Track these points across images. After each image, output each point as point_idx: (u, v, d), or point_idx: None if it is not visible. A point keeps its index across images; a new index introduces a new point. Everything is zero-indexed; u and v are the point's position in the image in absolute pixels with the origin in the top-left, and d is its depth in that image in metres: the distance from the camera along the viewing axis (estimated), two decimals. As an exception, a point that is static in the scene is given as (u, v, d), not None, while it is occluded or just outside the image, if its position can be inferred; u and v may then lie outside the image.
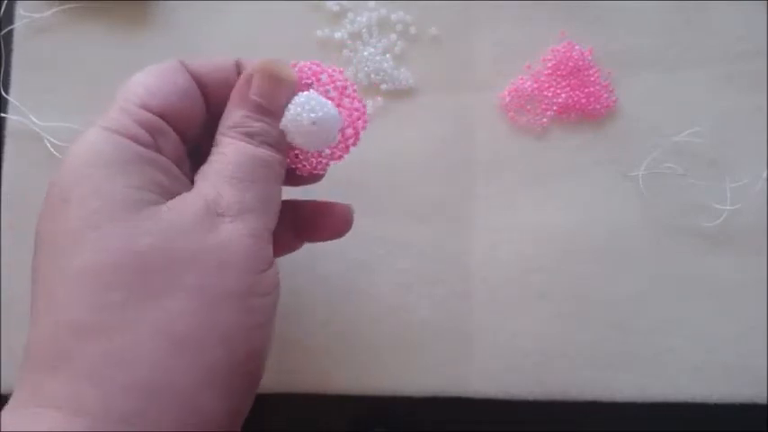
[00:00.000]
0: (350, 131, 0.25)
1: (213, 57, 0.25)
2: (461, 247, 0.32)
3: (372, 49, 0.33)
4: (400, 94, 0.33)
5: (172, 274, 0.20)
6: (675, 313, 0.32)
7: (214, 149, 0.23)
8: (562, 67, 0.33)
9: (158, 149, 0.22)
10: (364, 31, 0.33)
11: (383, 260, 0.32)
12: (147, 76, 0.23)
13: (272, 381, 0.31)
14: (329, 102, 0.24)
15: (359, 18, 0.34)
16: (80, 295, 0.20)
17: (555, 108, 0.33)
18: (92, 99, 0.33)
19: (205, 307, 0.20)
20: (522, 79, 0.33)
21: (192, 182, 0.23)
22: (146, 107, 0.23)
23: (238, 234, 0.21)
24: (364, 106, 0.26)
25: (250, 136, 0.23)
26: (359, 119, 0.25)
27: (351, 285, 0.32)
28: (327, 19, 0.34)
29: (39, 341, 0.20)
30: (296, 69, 0.25)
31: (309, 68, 0.25)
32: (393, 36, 0.34)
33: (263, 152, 0.23)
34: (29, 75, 0.33)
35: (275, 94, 0.24)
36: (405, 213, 0.33)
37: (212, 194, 0.21)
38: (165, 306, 0.20)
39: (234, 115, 0.23)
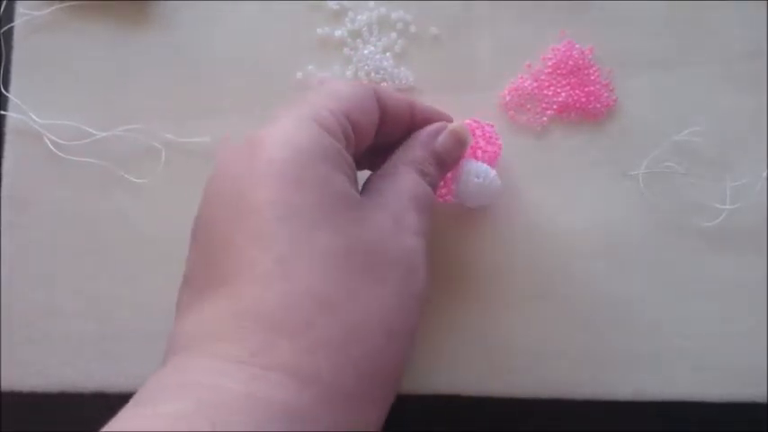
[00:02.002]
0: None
1: (395, 93, 0.28)
2: (461, 246, 0.32)
3: (372, 48, 0.33)
4: (400, 93, 0.33)
5: (385, 269, 0.22)
6: (675, 313, 0.32)
7: (390, 173, 0.26)
8: (562, 66, 0.33)
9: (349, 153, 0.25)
10: (364, 29, 0.34)
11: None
12: (352, 89, 0.26)
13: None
14: (496, 175, 0.30)
15: (359, 17, 0.34)
16: (326, 270, 0.21)
17: (555, 107, 0.33)
18: (92, 97, 0.33)
19: (405, 304, 0.22)
20: (522, 78, 0.33)
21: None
22: (348, 116, 0.25)
23: (421, 247, 0.24)
24: (500, 147, 0.31)
25: (423, 174, 0.26)
26: (495, 156, 0.31)
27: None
28: (328, 17, 0.34)
29: (272, 305, 0.20)
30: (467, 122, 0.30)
31: (475, 121, 0.31)
32: (393, 35, 0.34)
33: (430, 191, 0.26)
34: (29, 72, 0.33)
35: (454, 152, 0.28)
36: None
37: (398, 214, 0.24)
38: (382, 296, 0.22)
39: (417, 153, 0.27)
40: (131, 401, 0.20)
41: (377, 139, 0.27)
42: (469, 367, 0.32)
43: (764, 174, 0.33)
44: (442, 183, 0.30)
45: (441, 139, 0.28)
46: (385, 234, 0.23)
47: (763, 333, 0.32)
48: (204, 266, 0.22)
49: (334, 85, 0.26)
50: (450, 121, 0.29)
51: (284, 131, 0.23)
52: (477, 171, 0.30)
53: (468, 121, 0.31)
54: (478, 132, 0.31)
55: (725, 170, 0.33)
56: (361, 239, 0.22)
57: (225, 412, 0.18)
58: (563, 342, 0.32)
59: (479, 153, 0.31)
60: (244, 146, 0.23)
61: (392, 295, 0.22)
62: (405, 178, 0.26)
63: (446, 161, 0.28)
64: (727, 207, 0.32)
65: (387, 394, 0.22)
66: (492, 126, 0.31)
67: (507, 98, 0.33)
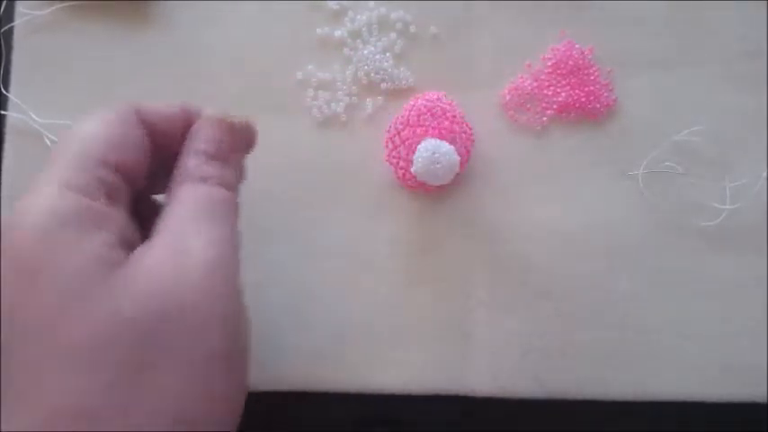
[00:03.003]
0: (463, 151, 0.31)
1: (161, 104, 0.25)
2: (460, 245, 0.32)
3: (372, 48, 0.33)
4: (400, 93, 0.33)
5: (161, 340, 0.19)
6: (675, 312, 0.32)
7: (170, 199, 0.23)
8: (562, 65, 0.33)
9: (117, 203, 0.22)
10: (364, 29, 0.34)
11: (383, 258, 0.32)
12: (102, 126, 0.22)
13: (271, 380, 0.31)
14: (451, 148, 0.30)
15: (359, 17, 0.34)
16: (76, 377, 0.18)
17: (555, 107, 0.33)
18: (92, 96, 0.33)
19: (197, 374, 0.19)
20: (522, 78, 0.33)
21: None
22: (103, 162, 0.22)
23: (212, 283, 0.20)
24: (471, 129, 0.32)
25: (204, 180, 0.23)
26: (468, 140, 0.32)
27: (351, 283, 0.32)
28: (327, 17, 0.34)
29: (30, 429, 0.18)
30: (417, 102, 0.32)
31: (428, 101, 0.32)
32: (393, 35, 0.34)
33: (219, 191, 0.23)
34: (29, 72, 0.33)
35: (227, 138, 0.24)
36: (404, 211, 0.33)
37: (178, 241, 0.21)
38: (161, 382, 0.19)
39: (186, 165, 0.23)
40: None
41: (161, 159, 0.24)
42: (469, 367, 0.32)
43: (764, 174, 0.33)
44: (402, 170, 0.31)
45: (201, 134, 0.24)
46: (162, 288, 0.19)
47: (763, 333, 0.32)
48: None
49: (80, 130, 0.22)
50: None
51: (28, 202, 0.20)
52: (427, 146, 0.30)
53: (426, 95, 0.32)
54: (428, 110, 0.31)
55: (725, 170, 0.33)
56: (125, 313, 0.19)
57: None
58: (563, 342, 0.32)
59: (430, 130, 0.31)
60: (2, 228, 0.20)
61: (180, 369, 0.19)
62: (183, 195, 0.22)
63: (225, 152, 0.24)
64: (727, 207, 0.32)
65: None
66: (451, 102, 0.32)
67: (507, 98, 0.33)
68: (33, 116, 0.33)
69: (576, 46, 0.33)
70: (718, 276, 0.32)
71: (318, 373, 0.31)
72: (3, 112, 0.33)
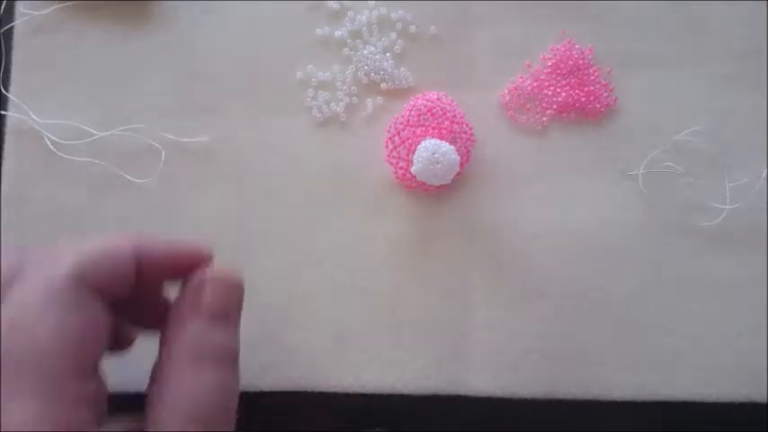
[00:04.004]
0: (463, 151, 0.31)
1: (162, 243, 0.23)
2: (460, 245, 0.32)
3: (372, 48, 0.33)
4: (400, 93, 0.33)
5: None
6: (675, 312, 0.32)
7: (168, 377, 0.21)
8: (562, 65, 0.33)
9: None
10: (364, 29, 0.34)
11: (383, 258, 0.32)
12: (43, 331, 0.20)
13: (270, 380, 0.31)
14: (451, 148, 0.30)
15: (359, 17, 0.34)
16: None
17: (555, 107, 0.33)
18: (92, 97, 0.33)
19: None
20: (521, 78, 0.33)
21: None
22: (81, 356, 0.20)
23: None
24: (471, 129, 0.32)
25: (210, 358, 0.21)
26: (468, 140, 0.32)
27: (350, 283, 0.32)
28: (327, 17, 0.34)
29: None
30: (417, 102, 0.32)
31: (428, 101, 0.32)
32: (393, 35, 0.34)
33: (225, 376, 0.21)
34: (29, 72, 0.33)
35: (233, 296, 0.22)
36: (404, 211, 0.33)
37: None
38: None
39: (188, 332, 0.21)
40: None
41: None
42: (469, 367, 0.32)
43: (764, 174, 0.33)
44: (402, 170, 0.31)
45: (208, 294, 0.22)
46: None
47: (762, 333, 0.32)
48: None
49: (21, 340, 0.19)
50: (204, 255, 0.24)
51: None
52: (427, 146, 0.30)
53: (425, 94, 0.32)
54: (428, 110, 0.32)
55: (725, 170, 0.33)
56: None
57: None
58: (562, 342, 0.32)
59: (430, 130, 0.31)
60: None
61: None
62: (184, 385, 0.21)
63: (228, 311, 0.22)
64: (727, 207, 0.32)
65: None
66: (451, 102, 0.32)
67: (507, 98, 0.33)
68: (33, 116, 0.33)
69: (576, 46, 0.33)
70: (718, 276, 0.32)
71: (318, 373, 0.31)
72: (3, 112, 0.33)
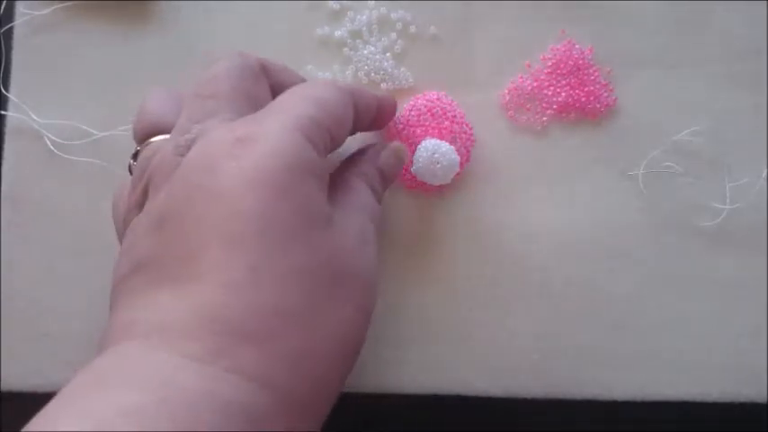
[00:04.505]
0: (463, 151, 0.32)
1: (366, 94, 0.28)
2: (460, 245, 0.32)
3: (372, 48, 0.33)
4: (400, 93, 0.33)
5: (348, 286, 0.23)
6: (675, 312, 0.32)
7: (348, 186, 0.27)
8: (562, 65, 0.33)
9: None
10: (364, 29, 0.34)
11: (382, 258, 0.32)
12: (336, 100, 0.25)
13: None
14: (451, 148, 0.30)
15: (359, 17, 0.34)
16: (295, 286, 0.21)
17: (555, 107, 0.33)
18: (92, 97, 0.33)
19: (361, 321, 0.23)
20: (521, 78, 0.33)
21: None
22: (329, 129, 0.24)
23: (375, 259, 0.25)
24: (471, 128, 0.32)
25: (373, 190, 0.28)
26: (468, 140, 0.32)
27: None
28: (327, 17, 0.34)
29: (238, 312, 0.20)
30: (417, 102, 0.32)
31: (428, 101, 0.32)
32: (393, 35, 0.34)
33: (378, 207, 0.28)
34: (29, 72, 0.33)
35: (394, 169, 0.30)
36: (404, 211, 0.33)
37: (360, 225, 0.25)
38: (343, 313, 0.22)
39: (367, 168, 0.28)
40: (78, 381, 0.20)
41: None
42: (469, 367, 0.32)
43: (764, 174, 0.33)
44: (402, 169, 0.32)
45: (383, 156, 0.29)
46: (351, 251, 0.23)
47: (762, 333, 0.32)
48: (169, 257, 0.22)
49: (318, 91, 0.25)
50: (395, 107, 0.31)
51: (274, 139, 0.22)
52: (427, 146, 0.30)
53: (417, 99, 0.32)
54: (428, 110, 0.32)
55: (725, 170, 0.33)
56: (330, 257, 0.22)
57: (185, 409, 0.18)
58: (563, 342, 0.32)
59: (430, 130, 0.31)
60: (231, 142, 0.22)
61: (352, 312, 0.23)
62: (362, 193, 0.27)
63: (387, 177, 0.29)
64: (727, 207, 0.32)
65: (330, 403, 0.23)
66: (451, 102, 0.32)
67: (507, 98, 0.33)
68: (33, 116, 0.33)
69: (576, 46, 0.33)
70: (718, 276, 0.32)
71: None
72: (3, 112, 0.33)
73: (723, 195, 0.32)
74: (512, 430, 0.32)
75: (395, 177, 0.30)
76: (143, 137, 0.26)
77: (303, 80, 0.29)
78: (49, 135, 0.32)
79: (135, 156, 0.26)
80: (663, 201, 0.33)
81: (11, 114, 0.33)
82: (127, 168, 0.28)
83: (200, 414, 0.18)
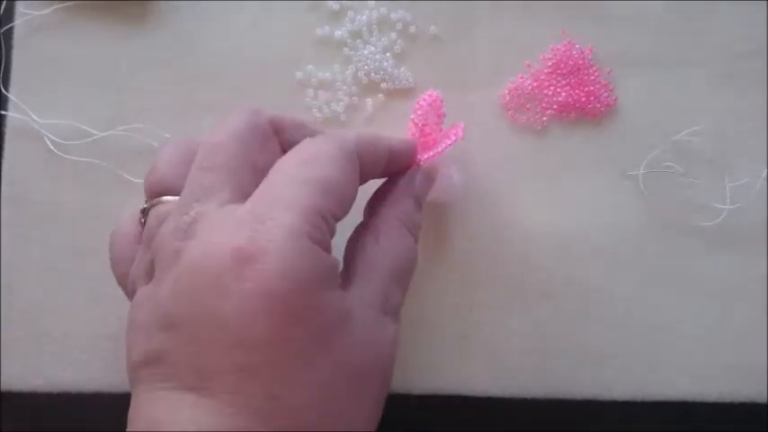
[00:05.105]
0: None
1: (373, 143, 0.26)
2: (460, 245, 0.32)
3: (372, 48, 0.33)
4: (400, 93, 0.33)
5: (368, 380, 0.23)
6: (675, 313, 0.32)
7: (379, 231, 0.26)
8: (562, 65, 0.33)
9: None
10: (364, 29, 0.34)
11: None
12: (340, 175, 0.23)
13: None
14: (456, 174, 0.31)
15: (359, 17, 0.34)
16: (317, 403, 0.21)
17: (555, 107, 0.33)
18: (92, 97, 0.33)
19: (377, 409, 0.24)
20: (522, 78, 0.33)
21: None
22: (334, 215, 0.23)
23: (397, 331, 0.24)
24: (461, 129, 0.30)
25: (410, 229, 0.26)
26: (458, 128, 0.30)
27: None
28: (327, 17, 0.34)
29: None
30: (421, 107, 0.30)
31: (427, 102, 0.30)
32: (393, 35, 0.34)
33: (415, 252, 0.26)
34: (29, 72, 0.33)
35: (426, 191, 0.29)
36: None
37: (383, 293, 0.24)
38: (363, 409, 0.23)
39: (404, 206, 0.27)
40: None
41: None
42: (469, 367, 0.32)
43: (764, 173, 0.33)
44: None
45: (418, 182, 0.28)
46: (370, 340, 0.23)
47: (762, 333, 0.32)
48: (184, 365, 0.21)
49: (322, 169, 0.23)
50: (415, 148, 0.29)
51: (280, 256, 0.21)
52: (448, 168, 0.30)
53: (428, 96, 0.30)
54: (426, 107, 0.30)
55: (725, 170, 0.33)
56: (349, 356, 0.22)
57: None
58: (563, 342, 0.32)
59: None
60: (233, 255, 0.21)
61: (371, 404, 0.23)
62: (395, 244, 0.26)
63: (422, 203, 0.28)
64: (728, 207, 0.32)
65: None
66: (439, 116, 0.30)
67: (507, 98, 0.33)
68: (33, 116, 0.33)
69: (576, 46, 0.33)
70: (718, 276, 0.32)
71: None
72: (3, 112, 0.33)
73: (723, 195, 0.32)
74: (512, 430, 0.32)
75: (425, 197, 0.29)
76: (152, 194, 0.25)
77: (317, 132, 0.27)
78: (49, 135, 0.32)
79: (145, 211, 0.25)
80: (663, 201, 0.33)
81: (11, 114, 0.33)
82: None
83: None
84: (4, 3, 0.34)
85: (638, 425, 0.32)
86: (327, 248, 0.22)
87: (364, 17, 0.34)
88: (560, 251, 0.32)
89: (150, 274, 0.23)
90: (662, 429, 0.32)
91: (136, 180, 0.32)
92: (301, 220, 0.21)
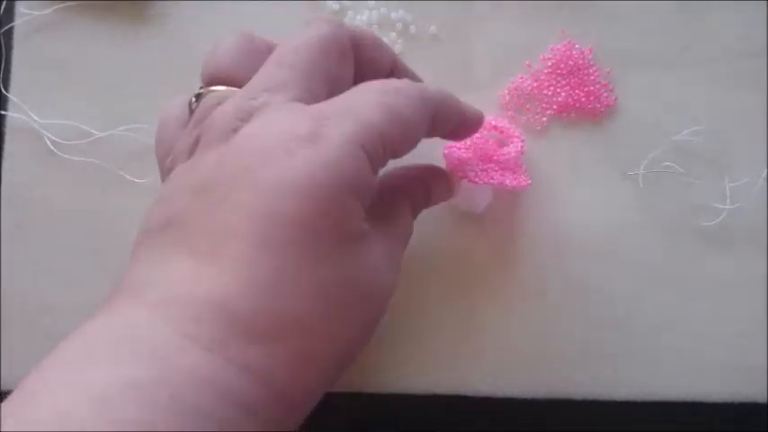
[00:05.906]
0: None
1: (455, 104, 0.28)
2: (460, 245, 0.32)
3: (372, 48, 0.33)
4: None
5: (364, 305, 0.23)
6: (675, 313, 0.32)
7: (395, 204, 0.27)
8: (562, 65, 0.33)
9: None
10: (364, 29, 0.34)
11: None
12: (414, 120, 0.24)
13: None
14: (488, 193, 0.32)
15: (359, 17, 0.34)
16: (315, 299, 0.21)
17: (555, 107, 0.33)
18: (92, 97, 0.33)
19: (365, 336, 0.24)
20: (521, 78, 0.33)
21: None
22: (394, 149, 0.24)
23: (394, 286, 0.25)
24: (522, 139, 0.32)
25: (415, 213, 0.28)
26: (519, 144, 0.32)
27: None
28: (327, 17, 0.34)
29: (253, 312, 0.21)
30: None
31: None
32: (393, 35, 0.34)
33: (411, 231, 0.28)
34: (29, 72, 0.33)
35: (440, 199, 0.30)
36: (404, 212, 0.33)
37: (393, 247, 0.25)
38: (352, 328, 0.23)
39: (418, 188, 0.28)
40: (80, 344, 0.21)
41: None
42: (469, 367, 0.32)
43: (764, 173, 0.33)
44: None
45: (437, 182, 0.29)
46: (376, 273, 0.24)
47: (762, 333, 0.32)
48: (201, 227, 0.22)
49: (399, 103, 0.24)
50: (482, 123, 0.29)
51: (334, 151, 0.22)
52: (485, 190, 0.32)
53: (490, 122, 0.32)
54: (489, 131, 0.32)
55: (725, 170, 0.33)
56: (354, 276, 0.23)
57: (185, 391, 0.19)
58: (562, 342, 0.32)
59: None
60: (292, 138, 0.22)
61: (360, 327, 0.23)
62: (405, 220, 0.27)
63: (432, 202, 0.29)
64: (728, 207, 0.32)
65: (312, 406, 0.24)
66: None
67: (507, 98, 0.33)
68: (33, 116, 0.33)
69: (576, 46, 0.33)
70: (718, 276, 0.32)
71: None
72: (3, 112, 0.33)
73: (723, 195, 0.32)
74: (512, 430, 0.32)
75: (436, 204, 0.30)
76: (209, 80, 0.26)
77: (394, 58, 0.28)
78: (49, 135, 0.32)
79: (197, 96, 0.26)
80: (663, 201, 0.33)
81: (11, 114, 0.33)
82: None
83: (200, 399, 0.19)
84: (4, 3, 0.34)
85: (638, 425, 0.32)
86: (375, 170, 0.23)
87: (364, 17, 0.34)
88: (560, 250, 0.32)
89: (192, 152, 0.24)
90: (662, 429, 0.32)
91: (136, 180, 0.32)
92: (364, 133, 0.22)
